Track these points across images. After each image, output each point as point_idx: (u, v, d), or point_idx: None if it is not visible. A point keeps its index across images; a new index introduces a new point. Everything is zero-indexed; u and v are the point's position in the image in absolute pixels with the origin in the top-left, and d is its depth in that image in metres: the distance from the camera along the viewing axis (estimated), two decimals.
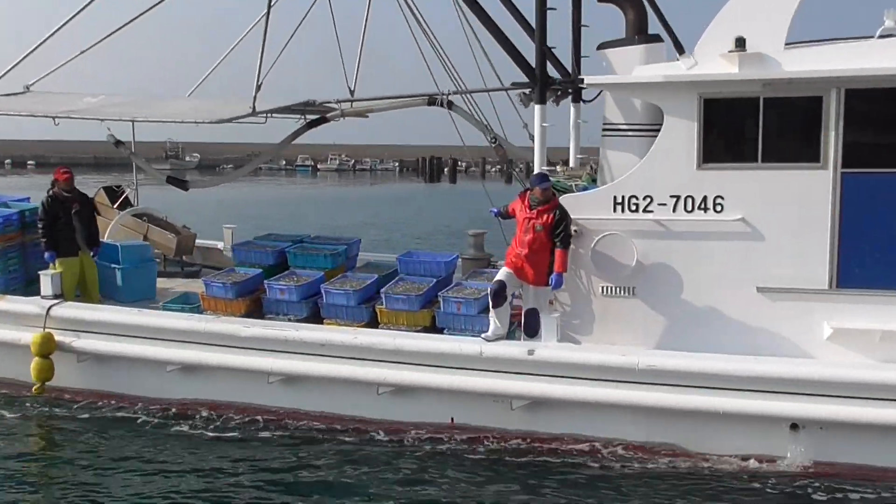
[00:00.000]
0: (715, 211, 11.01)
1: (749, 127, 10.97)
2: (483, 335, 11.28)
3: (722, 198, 10.99)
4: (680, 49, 11.26)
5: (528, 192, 11.10)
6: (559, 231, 11.03)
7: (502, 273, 11.33)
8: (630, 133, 11.97)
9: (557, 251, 11.01)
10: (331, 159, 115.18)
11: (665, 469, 10.27)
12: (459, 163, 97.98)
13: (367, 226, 37.04)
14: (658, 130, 11.36)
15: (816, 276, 10.83)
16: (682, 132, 11.08)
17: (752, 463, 10.18)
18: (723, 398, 10.24)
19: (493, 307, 11.23)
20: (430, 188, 77.16)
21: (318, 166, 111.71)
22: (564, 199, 11.31)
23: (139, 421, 11.14)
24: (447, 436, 10.97)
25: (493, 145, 12.63)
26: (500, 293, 11.19)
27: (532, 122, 12.14)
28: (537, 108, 11.82)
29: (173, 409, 11.69)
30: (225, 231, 16.03)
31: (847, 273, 10.81)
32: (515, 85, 12.42)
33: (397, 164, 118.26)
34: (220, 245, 16.14)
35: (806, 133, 10.84)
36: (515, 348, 11.05)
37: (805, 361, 10.50)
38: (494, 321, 11.32)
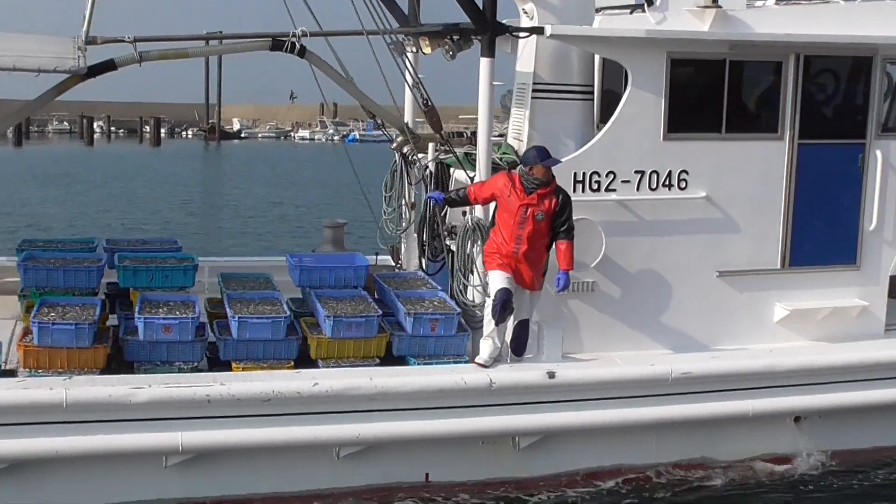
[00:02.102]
0: (679, 188, 11.04)
1: (715, 94, 11.06)
2: (477, 360, 10.02)
3: (686, 173, 11.05)
4: None
5: (522, 171, 10.07)
6: (564, 219, 10.11)
7: (499, 278, 9.97)
8: (567, 96, 11.20)
9: (562, 244, 10.12)
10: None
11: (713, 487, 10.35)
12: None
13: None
14: (591, 94, 11.27)
15: (772, 256, 11.46)
16: (650, 97, 10.84)
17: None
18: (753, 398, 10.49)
19: (496, 323, 9.97)
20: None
21: None
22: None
23: None
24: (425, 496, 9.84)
25: (425, 109, 11.42)
26: (508, 305, 9.95)
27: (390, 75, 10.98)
28: (485, 61, 10.45)
29: None
30: None
31: (798, 251, 11.56)
32: (447, 30, 10.86)
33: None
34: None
35: (767, 102, 11.37)
36: (532, 373, 9.99)
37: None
38: (493, 341, 10.02)
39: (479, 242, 10.45)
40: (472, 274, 10.61)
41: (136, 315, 9.17)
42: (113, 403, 8.85)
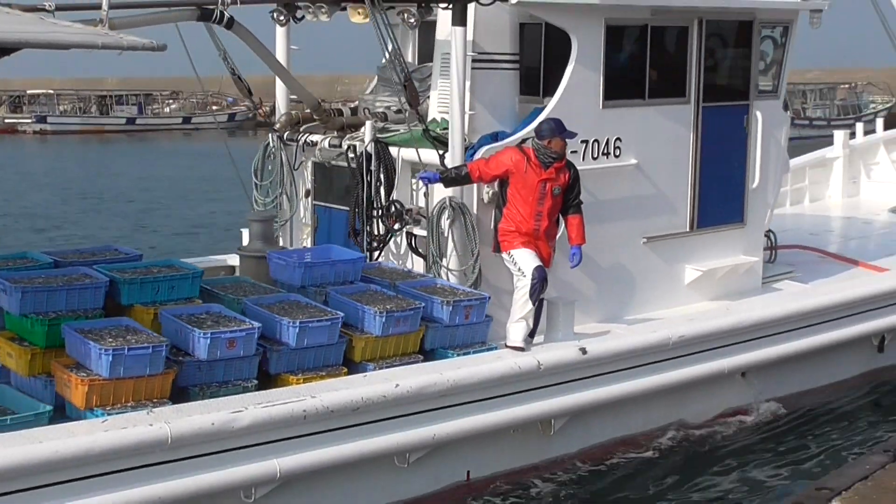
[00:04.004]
0: (615, 156, 12.39)
1: (640, 60, 12.58)
2: (512, 343, 10.84)
3: (620, 140, 12.40)
4: None
5: (537, 144, 10.95)
6: (577, 192, 11.02)
7: (530, 256, 10.70)
8: (503, 66, 12.04)
9: (575, 218, 11.02)
10: None
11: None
12: None
13: None
14: (518, 63, 12.22)
15: (682, 219, 13.24)
16: (591, 65, 12.07)
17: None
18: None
19: (532, 304, 10.76)
20: None
21: None
22: (486, 151, 11.31)
23: None
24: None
25: (404, 84, 11.35)
26: (545, 284, 10.76)
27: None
28: (458, 31, 11.24)
29: None
30: None
31: (702, 213, 13.31)
32: None
33: None
34: None
35: (679, 67, 12.97)
36: (568, 350, 10.93)
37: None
38: (526, 322, 10.74)
39: (465, 223, 11.28)
40: (445, 257, 11.32)
41: (198, 332, 9.20)
42: (215, 432, 8.96)
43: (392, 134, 12.07)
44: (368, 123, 11.91)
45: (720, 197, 13.61)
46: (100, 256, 10.44)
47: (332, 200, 13.03)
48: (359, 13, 12.05)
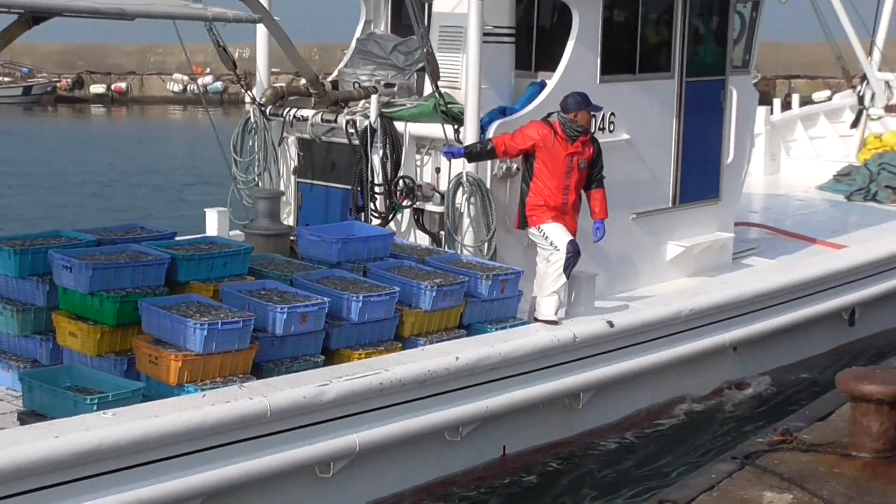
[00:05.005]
0: (609, 132, 13.55)
1: (631, 34, 13.80)
2: (543, 317, 11.94)
3: (614, 115, 13.57)
4: None
5: (563, 118, 11.98)
6: (600, 166, 12.15)
7: (561, 231, 11.79)
8: (504, 39, 13.17)
9: (598, 192, 12.15)
10: None
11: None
12: None
13: None
14: (514, 37, 13.36)
15: (665, 194, 14.53)
16: (590, 39, 13.25)
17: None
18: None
19: (566, 278, 11.86)
20: None
21: None
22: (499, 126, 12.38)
23: None
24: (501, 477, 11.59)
25: (428, 57, 12.23)
26: (578, 257, 11.87)
27: None
28: (474, 3, 12.21)
29: None
30: None
31: (683, 189, 14.64)
32: None
33: None
34: None
35: (666, 41, 14.25)
36: (598, 324, 12.14)
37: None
38: (559, 296, 11.86)
39: (482, 198, 12.49)
40: (459, 233, 12.43)
41: (275, 307, 10.06)
42: (306, 405, 9.82)
43: (398, 108, 12.97)
44: (374, 97, 12.79)
45: (699, 173, 14.99)
46: (133, 234, 11.13)
47: (318, 178, 13.92)
48: None
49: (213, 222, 13.74)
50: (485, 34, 12.75)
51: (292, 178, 14.08)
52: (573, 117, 12.00)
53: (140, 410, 8.84)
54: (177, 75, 66.33)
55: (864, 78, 23.28)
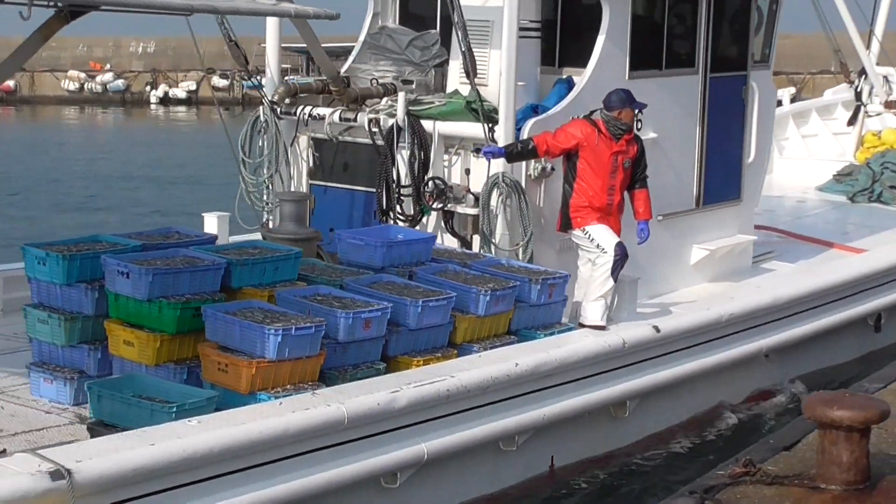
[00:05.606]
0: (637, 129, 13.45)
1: (658, 29, 14.27)
2: (589, 323, 12.30)
3: (641, 113, 13.56)
4: None
5: (607, 116, 12.30)
6: (644, 166, 12.52)
7: (609, 233, 12.12)
8: (534, 34, 13.62)
9: (642, 192, 12.52)
10: None
11: None
12: None
13: None
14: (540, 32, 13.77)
15: (689, 196, 14.92)
16: (620, 35, 13.66)
17: None
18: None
19: (614, 281, 12.19)
20: None
21: None
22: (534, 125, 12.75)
23: None
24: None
25: (463, 51, 12.48)
26: (626, 259, 12.18)
27: None
28: None
29: None
30: None
31: (707, 189, 15.07)
32: None
33: None
34: None
35: (691, 36, 14.69)
36: (645, 329, 12.49)
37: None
38: (605, 301, 12.18)
39: (516, 200, 12.74)
40: (495, 236, 12.73)
41: (339, 312, 10.32)
42: (380, 413, 9.99)
43: (426, 107, 13.26)
44: (401, 95, 13.04)
45: (722, 172, 15.43)
46: (172, 239, 11.36)
47: (333, 179, 14.18)
48: None
49: (213, 227, 14.00)
50: (526, 28, 13.32)
51: (305, 179, 14.36)
52: (617, 115, 12.34)
53: (223, 418, 9.06)
54: (72, 72, 65.81)
55: (861, 72, 23.65)
